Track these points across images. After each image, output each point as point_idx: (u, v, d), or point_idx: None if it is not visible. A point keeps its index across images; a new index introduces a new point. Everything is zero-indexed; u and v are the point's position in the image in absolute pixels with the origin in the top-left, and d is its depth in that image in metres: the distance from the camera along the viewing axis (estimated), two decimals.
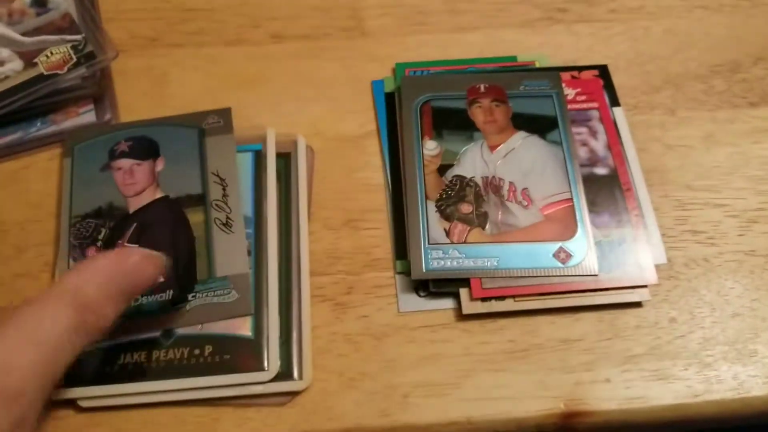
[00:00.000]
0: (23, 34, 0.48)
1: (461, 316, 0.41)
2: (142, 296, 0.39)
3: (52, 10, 0.49)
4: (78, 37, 0.48)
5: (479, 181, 0.44)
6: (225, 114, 0.46)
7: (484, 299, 0.41)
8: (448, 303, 0.42)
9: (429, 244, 0.42)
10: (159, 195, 0.43)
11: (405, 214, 0.43)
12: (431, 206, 0.43)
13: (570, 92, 0.48)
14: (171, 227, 0.42)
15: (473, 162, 0.45)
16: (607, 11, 0.55)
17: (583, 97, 0.48)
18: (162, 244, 0.40)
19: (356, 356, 0.41)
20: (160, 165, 0.44)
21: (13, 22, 0.49)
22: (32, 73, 0.46)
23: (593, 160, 0.45)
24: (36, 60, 0.47)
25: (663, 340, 0.41)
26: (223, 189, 0.43)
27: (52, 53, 0.47)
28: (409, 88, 0.48)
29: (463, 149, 0.45)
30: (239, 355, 0.39)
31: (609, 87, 0.49)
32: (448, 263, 0.41)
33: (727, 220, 0.45)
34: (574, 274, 0.41)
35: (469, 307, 0.41)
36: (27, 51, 0.47)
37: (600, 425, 0.39)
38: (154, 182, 0.44)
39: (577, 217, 0.42)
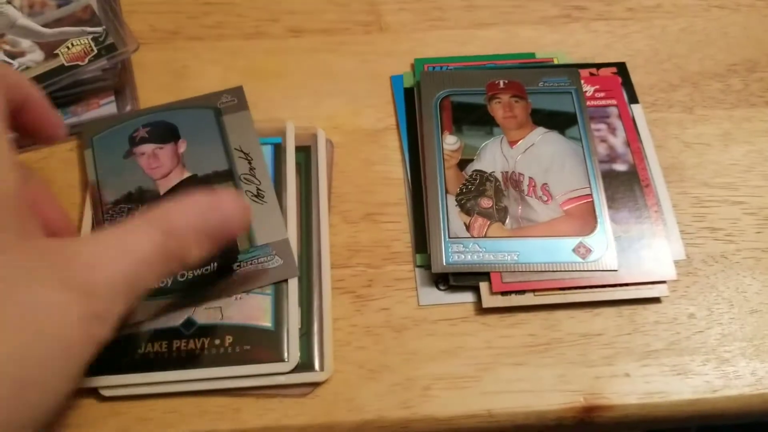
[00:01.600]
0: (44, 26, 0.48)
1: (481, 310, 0.42)
2: (188, 272, 0.40)
3: (74, 2, 0.50)
4: (99, 29, 0.48)
5: (499, 176, 0.44)
6: (237, 92, 0.47)
7: (504, 293, 0.41)
8: (467, 297, 0.42)
9: (449, 237, 0.42)
10: (186, 175, 0.44)
11: (425, 208, 0.44)
12: (451, 200, 0.43)
13: (589, 89, 0.48)
14: None
15: (493, 157, 0.45)
16: (625, 10, 0.55)
17: (602, 94, 0.48)
18: None
19: (376, 348, 0.41)
20: (182, 146, 0.45)
21: (34, 14, 0.49)
22: (53, 64, 0.47)
23: (612, 157, 0.45)
24: (57, 51, 0.47)
25: (682, 336, 0.41)
26: (249, 163, 0.44)
27: (72, 45, 0.47)
28: (429, 83, 0.48)
29: (483, 144, 0.45)
30: (259, 345, 0.39)
31: (627, 84, 0.49)
32: (469, 257, 0.42)
33: (744, 217, 0.45)
34: (593, 269, 0.41)
35: (489, 300, 0.41)
36: (48, 42, 0.48)
37: (619, 419, 0.40)
38: (180, 163, 0.44)
39: (597, 213, 0.43)
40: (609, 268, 0.41)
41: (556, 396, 0.39)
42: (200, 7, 0.54)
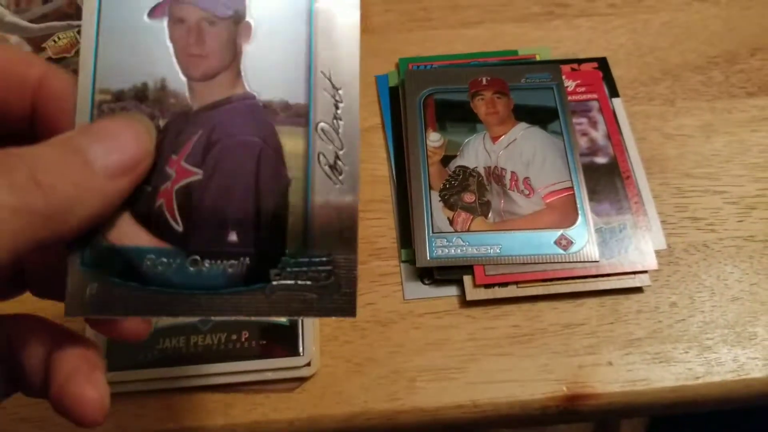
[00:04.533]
0: (31, 21, 0.49)
1: (465, 303, 0.42)
2: (203, 259, 0.25)
3: None
4: None
5: (482, 171, 0.45)
6: None
7: (487, 286, 0.42)
8: (452, 290, 0.43)
9: (433, 232, 0.43)
10: (241, 90, 0.26)
11: (410, 204, 0.44)
12: (435, 196, 0.44)
13: (570, 84, 0.49)
14: (256, 152, 0.26)
15: (476, 153, 0.46)
16: (607, 5, 0.56)
17: (583, 89, 0.49)
18: (238, 179, 0.26)
19: (363, 342, 0.42)
20: (246, 33, 0.26)
21: (20, 11, 0.50)
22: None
23: (593, 150, 0.46)
24: (44, 45, 0.48)
25: (664, 324, 0.42)
26: (335, 105, 0.26)
27: (59, 38, 0.48)
28: (413, 81, 0.49)
29: (466, 140, 0.46)
30: (275, 341, 0.40)
31: (608, 79, 0.50)
32: (452, 251, 0.42)
33: (726, 206, 0.46)
34: (575, 260, 0.42)
35: (472, 293, 0.42)
36: (35, 37, 0.49)
37: (603, 407, 0.40)
38: (235, 64, 0.26)
39: (578, 205, 0.43)
40: (590, 259, 0.42)
41: (539, 386, 0.40)
42: None
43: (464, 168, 0.45)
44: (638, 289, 0.43)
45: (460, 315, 0.42)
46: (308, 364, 0.39)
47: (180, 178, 0.25)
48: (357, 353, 0.41)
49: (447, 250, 0.42)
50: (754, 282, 0.43)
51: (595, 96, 0.48)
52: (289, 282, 0.25)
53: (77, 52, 0.48)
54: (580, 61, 0.51)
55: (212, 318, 0.27)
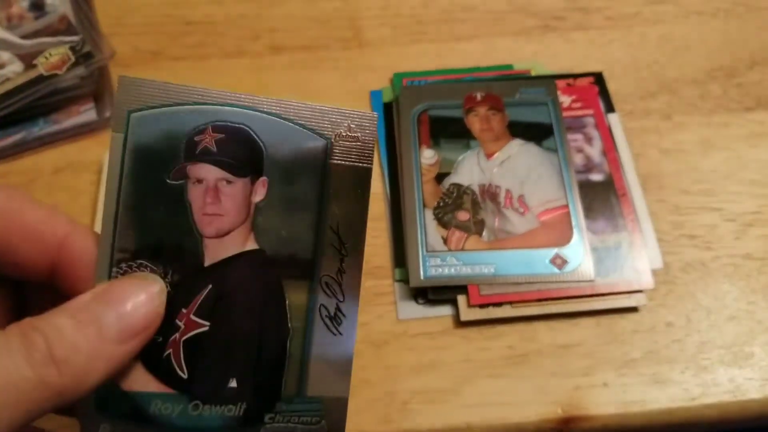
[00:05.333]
0: (22, 37, 0.49)
1: (460, 323, 0.42)
2: (203, 405, 0.27)
3: (50, 14, 0.51)
4: (75, 38, 0.49)
5: (476, 189, 0.45)
6: (368, 122, 0.28)
7: (481, 306, 0.42)
8: (446, 310, 0.43)
9: (427, 251, 0.43)
10: (251, 246, 0.27)
11: (403, 222, 0.44)
12: (429, 214, 0.44)
13: (565, 99, 0.48)
14: (261, 305, 0.28)
15: (470, 170, 0.45)
16: (603, 18, 0.56)
17: (579, 104, 0.48)
18: (243, 330, 0.27)
19: (356, 364, 0.41)
20: (260, 192, 0.27)
21: (12, 26, 0.50)
22: (32, 74, 0.48)
23: (589, 167, 0.46)
24: (35, 61, 0.48)
25: (660, 344, 0.41)
26: (341, 260, 0.28)
27: (51, 54, 0.48)
28: (407, 97, 0.48)
29: (460, 157, 0.46)
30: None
31: (604, 93, 0.50)
32: (446, 270, 0.42)
33: (723, 224, 0.45)
34: (570, 279, 0.42)
35: (467, 314, 0.41)
36: (26, 53, 0.49)
37: (599, 429, 0.40)
38: (248, 220, 0.27)
39: (573, 223, 0.43)
40: (586, 278, 0.42)
41: (534, 408, 0.40)
42: (182, 27, 0.55)
43: (458, 186, 0.45)
44: (634, 309, 0.42)
45: (454, 335, 0.42)
46: None
47: (188, 330, 0.27)
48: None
49: (441, 270, 0.42)
50: (752, 301, 0.43)
51: (590, 111, 0.48)
52: (281, 425, 0.27)
53: (69, 69, 0.48)
54: (575, 76, 0.50)
55: None
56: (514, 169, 0.45)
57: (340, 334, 0.28)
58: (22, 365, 0.22)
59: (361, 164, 0.28)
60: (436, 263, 0.42)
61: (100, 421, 0.26)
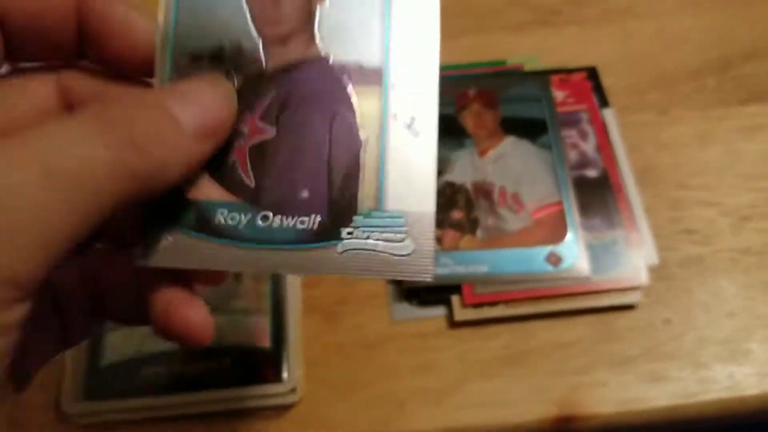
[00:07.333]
0: None
1: (454, 323, 0.41)
2: (274, 217, 0.25)
3: None
4: None
5: (470, 187, 0.44)
6: None
7: (476, 305, 0.41)
8: (440, 310, 0.42)
9: None
10: (315, 52, 0.26)
11: None
12: None
13: (559, 95, 0.48)
14: (329, 113, 0.26)
15: (464, 168, 0.45)
16: (598, 12, 0.55)
17: (572, 100, 0.48)
18: (311, 138, 0.26)
19: (350, 365, 0.41)
20: None
21: None
22: None
23: (583, 163, 0.45)
24: None
25: (658, 341, 0.41)
26: (410, 67, 0.26)
27: None
28: None
29: (454, 155, 0.45)
30: (259, 367, 0.39)
31: (598, 88, 0.49)
32: (440, 270, 0.41)
33: (720, 218, 0.45)
34: (565, 277, 0.41)
35: (461, 314, 0.41)
36: None
37: (597, 428, 0.39)
38: (310, 26, 0.26)
39: (568, 221, 0.42)
40: (581, 276, 0.41)
41: (531, 408, 0.39)
42: None
43: (452, 184, 0.44)
44: (631, 306, 0.42)
45: (448, 336, 0.41)
46: (293, 391, 0.39)
47: (253, 136, 0.25)
48: (343, 377, 0.40)
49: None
50: (750, 296, 0.42)
51: (584, 107, 0.47)
52: (361, 241, 0.25)
53: None
54: (569, 71, 0.50)
55: (280, 273, 0.27)
56: (508, 166, 0.45)
57: (419, 142, 0.25)
58: (99, 148, 0.20)
59: None
60: None
61: (162, 233, 0.25)
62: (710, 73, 0.51)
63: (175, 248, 0.24)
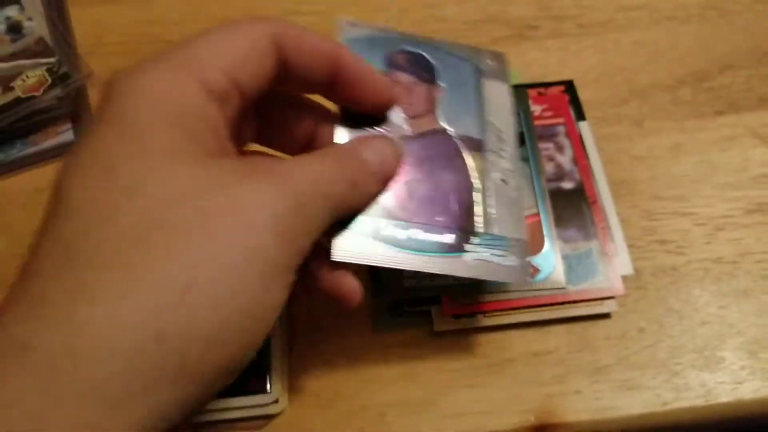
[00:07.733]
0: (0, 61, 0.50)
1: (434, 334, 0.42)
2: (424, 233, 0.34)
3: (26, 36, 0.51)
4: (52, 59, 0.50)
5: None
6: (500, 58, 0.41)
7: (455, 316, 0.42)
8: (421, 321, 0.43)
9: None
10: (438, 126, 0.37)
11: None
12: None
13: (536, 109, 0.49)
14: (454, 164, 0.37)
15: None
16: (576, 26, 0.56)
17: (549, 113, 0.49)
18: (444, 177, 0.36)
19: (332, 376, 0.42)
20: (438, 92, 0.38)
21: None
22: (9, 97, 0.48)
23: (560, 175, 0.46)
24: (13, 84, 0.49)
25: (632, 350, 0.42)
26: (499, 139, 0.38)
27: (28, 77, 0.49)
28: None
29: None
30: (242, 377, 0.40)
31: (575, 102, 0.50)
32: (420, 282, 0.42)
33: (694, 228, 0.46)
34: (542, 288, 0.42)
35: (440, 324, 0.42)
36: (4, 76, 0.49)
37: None
38: (433, 110, 0.37)
39: (545, 232, 0.43)
40: (557, 286, 0.42)
41: (509, 416, 0.40)
42: (159, 46, 0.55)
43: None
44: (606, 315, 0.43)
45: (429, 346, 0.42)
46: (276, 401, 0.40)
47: (405, 177, 0.35)
48: (326, 388, 0.41)
49: (414, 281, 0.42)
50: (723, 305, 0.43)
51: (561, 120, 0.48)
52: (477, 253, 0.34)
53: (46, 90, 0.48)
54: (546, 85, 0.51)
55: (429, 272, 0.34)
56: None
57: (509, 188, 0.37)
58: (336, 171, 0.30)
59: (501, 81, 0.40)
60: (410, 274, 0.43)
61: (347, 238, 0.32)
62: (686, 85, 0.52)
63: (358, 247, 0.32)
